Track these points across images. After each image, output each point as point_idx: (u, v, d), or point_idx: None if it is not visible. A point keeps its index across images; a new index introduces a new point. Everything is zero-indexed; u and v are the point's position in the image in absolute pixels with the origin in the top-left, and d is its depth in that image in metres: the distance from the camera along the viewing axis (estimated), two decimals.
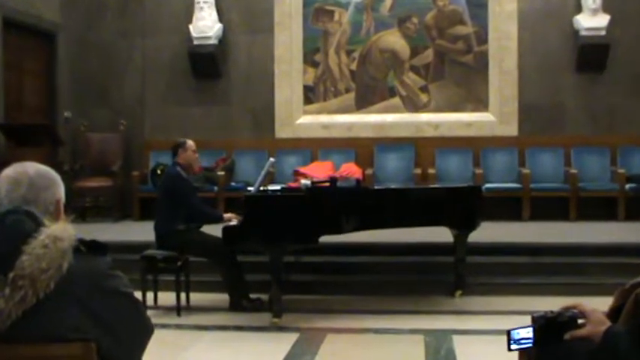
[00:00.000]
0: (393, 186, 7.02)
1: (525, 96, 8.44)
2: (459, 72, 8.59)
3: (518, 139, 8.43)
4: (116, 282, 1.64)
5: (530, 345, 1.92)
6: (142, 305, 1.77)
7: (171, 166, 5.52)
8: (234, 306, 5.33)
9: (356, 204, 5.12)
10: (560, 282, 5.69)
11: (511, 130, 8.46)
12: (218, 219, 5.33)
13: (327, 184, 5.37)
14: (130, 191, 8.56)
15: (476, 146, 8.44)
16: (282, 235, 4.88)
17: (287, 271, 5.40)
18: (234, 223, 5.15)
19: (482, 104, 8.54)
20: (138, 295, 3.26)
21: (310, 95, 8.84)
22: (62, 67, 8.83)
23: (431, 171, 8.26)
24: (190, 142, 5.45)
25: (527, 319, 1.93)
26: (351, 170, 8.10)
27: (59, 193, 1.77)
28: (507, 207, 8.04)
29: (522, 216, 7.96)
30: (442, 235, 5.81)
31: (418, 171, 8.31)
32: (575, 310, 1.93)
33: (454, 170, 8.37)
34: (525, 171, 8.11)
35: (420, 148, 8.53)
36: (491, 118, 8.49)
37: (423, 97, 8.65)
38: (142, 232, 6.80)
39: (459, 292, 5.63)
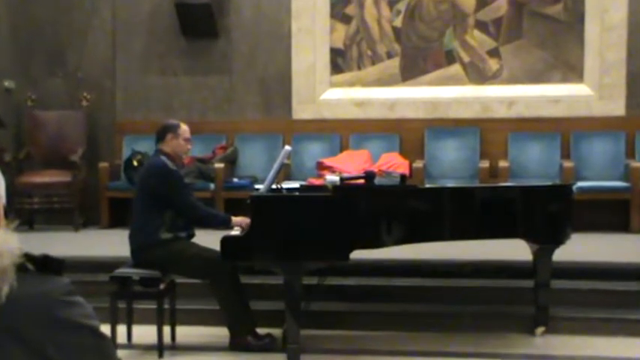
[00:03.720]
0: (450, 184, 6.96)
1: (637, 61, 8.32)
2: (543, 28, 8.50)
3: (626, 120, 8.32)
4: (75, 311, 1.63)
5: None
6: (111, 343, 1.76)
7: (154, 155, 5.54)
8: (236, 344, 5.33)
9: (400, 208, 5.10)
10: None
11: (615, 107, 8.35)
12: (225, 222, 5.34)
13: (362, 180, 5.34)
14: (96, 189, 8.61)
15: (565, 130, 8.36)
16: (300, 248, 4.87)
17: (307, 297, 5.39)
18: (236, 232, 5.15)
19: (574, 73, 8.44)
20: (106, 329, 3.26)
21: (339, 61, 8.81)
22: None
23: (502, 164, 8.19)
24: (185, 127, 5.48)
25: None
26: (393, 162, 8.06)
27: None
28: (609, 213, 7.95)
29: (631, 226, 7.87)
30: (518, 250, 5.76)
31: (485, 164, 8.25)
32: None
33: (534, 163, 8.30)
34: (635, 164, 8.01)
35: (488, 133, 8.47)
36: (588, 92, 8.39)
37: (493, 64, 8.57)
38: (113, 243, 6.84)
39: (540, 330, 5.58)
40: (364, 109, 8.73)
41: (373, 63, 8.78)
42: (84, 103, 8.86)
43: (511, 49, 8.56)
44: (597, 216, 7.76)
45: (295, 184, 5.99)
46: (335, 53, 8.80)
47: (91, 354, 1.62)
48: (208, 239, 5.28)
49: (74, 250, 6.96)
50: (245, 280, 5.45)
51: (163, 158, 5.37)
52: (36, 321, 1.55)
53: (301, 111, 8.81)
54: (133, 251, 5.36)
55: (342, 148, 8.63)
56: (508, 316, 5.80)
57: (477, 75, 8.61)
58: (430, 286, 6.12)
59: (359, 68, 8.80)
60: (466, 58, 8.61)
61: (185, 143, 5.47)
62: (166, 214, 5.28)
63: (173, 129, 5.45)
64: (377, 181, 5.43)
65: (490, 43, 8.58)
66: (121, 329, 5.31)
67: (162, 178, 5.32)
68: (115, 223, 8.37)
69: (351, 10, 8.78)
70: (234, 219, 5.30)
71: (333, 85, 8.81)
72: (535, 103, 8.47)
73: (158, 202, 5.28)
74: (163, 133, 5.45)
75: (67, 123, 8.86)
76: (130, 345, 5.40)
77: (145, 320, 5.49)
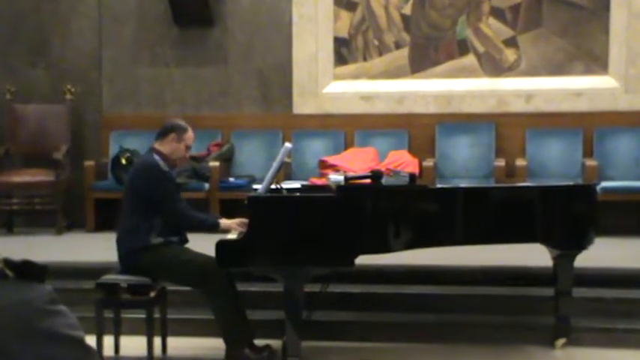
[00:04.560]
0: (463, 184, 6.95)
1: None
2: (564, 16, 8.48)
3: None
4: (58, 322, 1.62)
5: None
6: (97, 356, 1.76)
7: (147, 153, 5.54)
8: (232, 357, 5.32)
9: (409, 210, 5.09)
10: None
11: None
12: (213, 226, 5.34)
13: (368, 180, 5.34)
14: (81, 189, 8.60)
15: (588, 126, 8.35)
16: (301, 253, 4.87)
17: (309, 306, 5.38)
18: (233, 235, 5.14)
19: (598, 63, 8.43)
20: (91, 340, 3.25)
21: (344, 52, 8.80)
22: None
23: (520, 162, 8.19)
24: (191, 134, 5.49)
25: None
26: (402, 161, 8.06)
27: None
28: (636, 216, 7.94)
29: None
30: (537, 256, 5.76)
31: (501, 162, 8.25)
32: None
33: (554, 161, 8.30)
34: None
35: (504, 128, 8.47)
36: (613, 84, 8.38)
37: (510, 55, 8.56)
38: (99, 248, 6.83)
39: (561, 342, 5.57)
40: (370, 104, 8.72)
41: (380, 53, 8.77)
42: (68, 96, 8.84)
43: (529, 38, 8.54)
44: (623, 219, 7.74)
45: (296, 184, 5.98)
46: (339, 43, 8.79)
47: None
48: (203, 245, 5.27)
49: (57, 255, 6.95)
50: (242, 287, 5.44)
51: (157, 157, 5.36)
52: (15, 332, 1.54)
53: (302, 105, 8.80)
54: (121, 256, 5.36)
55: (347, 145, 8.62)
56: (526, 327, 5.79)
57: (493, 66, 8.59)
58: (442, 294, 6.11)
59: (365, 59, 8.79)
60: (481, 49, 8.60)
61: (185, 150, 5.48)
62: (157, 217, 5.28)
63: (179, 131, 5.44)
64: (384, 180, 5.42)
65: (507, 32, 8.56)
66: (108, 340, 5.30)
67: (153, 178, 5.31)
68: (101, 226, 8.36)
69: None
70: (223, 222, 5.30)
71: (336, 77, 8.79)
72: (555, 97, 8.45)
73: (148, 204, 5.27)
74: (167, 131, 5.44)
75: (50, 118, 8.84)
76: (117, 358, 5.39)
77: (133, 331, 5.48)
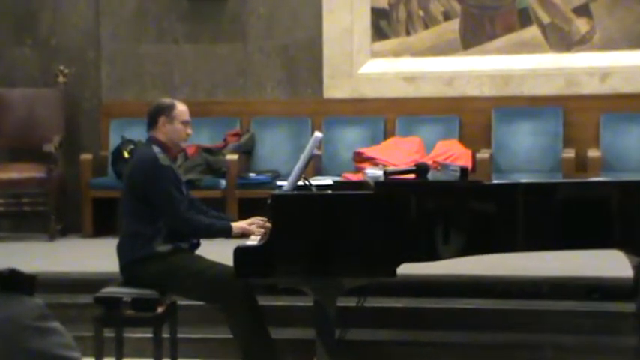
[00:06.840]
0: (524, 180, 6.92)
1: None
2: None
3: None
4: (51, 340, 1.64)
5: None
6: None
7: (144, 145, 5.55)
8: None
9: (461, 210, 5.08)
10: None
11: None
12: (223, 231, 5.37)
13: (412, 175, 5.33)
14: (77, 187, 8.66)
15: None
16: (334, 261, 4.88)
17: (343, 322, 5.39)
18: (253, 241, 5.15)
19: None
20: None
21: (383, 25, 8.79)
22: None
23: (592, 153, 8.15)
24: (182, 108, 5.46)
25: None
26: (452, 152, 8.05)
27: None
28: None
29: None
30: (614, 264, 5.72)
31: (569, 154, 8.22)
32: None
33: (634, 152, 8.27)
34: None
35: (574, 113, 8.43)
36: None
37: (581, 26, 8.51)
38: (98, 256, 6.87)
39: None
40: (415, 85, 8.71)
41: (426, 26, 8.75)
42: (60, 78, 8.89)
43: (605, 5, 8.49)
44: None
45: (328, 181, 5.99)
46: (378, 14, 8.79)
47: None
48: (218, 251, 5.28)
49: (49, 264, 6.99)
50: (264, 301, 5.45)
51: (156, 149, 5.35)
52: (1, 353, 1.55)
53: (335, 88, 8.81)
54: (122, 267, 5.38)
55: (387, 134, 8.63)
56: (602, 349, 5.76)
57: (560, 40, 8.55)
58: (499, 309, 6.10)
59: (408, 33, 8.78)
60: (546, 19, 8.56)
61: (183, 128, 5.44)
62: (161, 220, 5.28)
63: (165, 110, 5.42)
64: (431, 175, 5.41)
65: None
66: None
67: (150, 175, 5.29)
68: (100, 230, 8.40)
69: None
70: (236, 226, 5.30)
71: (375, 54, 8.79)
72: (636, 75, 8.40)
73: (150, 205, 5.28)
74: (154, 116, 5.42)
75: (39, 104, 8.90)
76: None
77: (138, 352, 5.52)
